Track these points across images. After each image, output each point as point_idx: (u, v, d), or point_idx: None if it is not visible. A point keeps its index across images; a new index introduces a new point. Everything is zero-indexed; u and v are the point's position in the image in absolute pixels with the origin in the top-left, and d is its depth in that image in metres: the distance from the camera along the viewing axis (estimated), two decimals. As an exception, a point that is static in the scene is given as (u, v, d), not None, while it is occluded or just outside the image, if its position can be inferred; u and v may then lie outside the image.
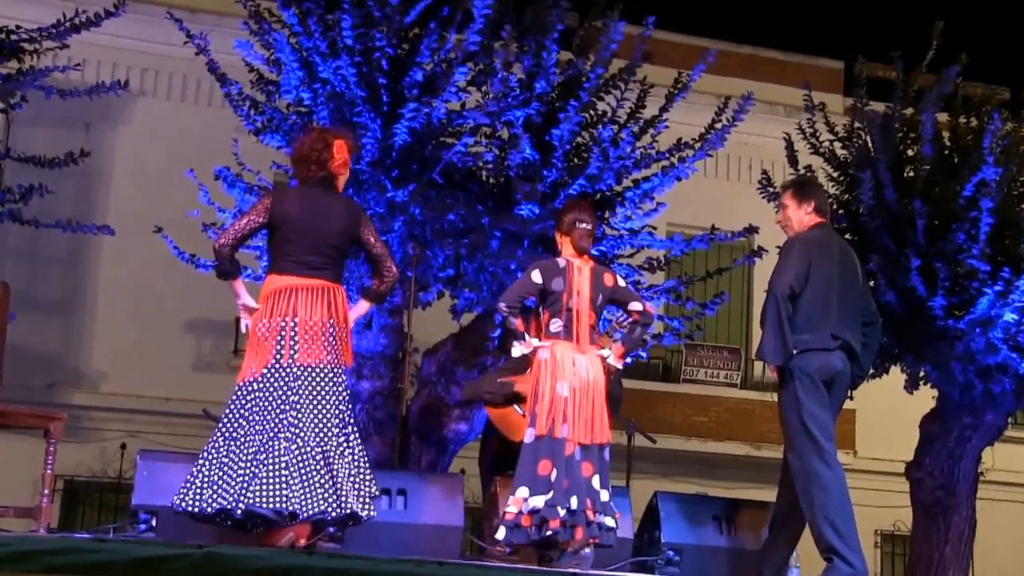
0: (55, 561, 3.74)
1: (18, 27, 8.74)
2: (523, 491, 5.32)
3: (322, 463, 4.85)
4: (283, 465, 4.75)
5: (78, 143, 9.49)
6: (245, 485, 4.73)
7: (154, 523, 5.82)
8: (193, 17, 10.18)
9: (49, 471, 5.26)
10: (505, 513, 5.36)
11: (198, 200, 8.40)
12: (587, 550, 5.41)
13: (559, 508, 5.26)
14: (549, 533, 5.28)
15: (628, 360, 5.89)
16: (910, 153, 8.82)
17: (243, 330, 5.15)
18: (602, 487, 5.44)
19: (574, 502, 5.29)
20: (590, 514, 5.31)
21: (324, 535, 5.22)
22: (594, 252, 5.88)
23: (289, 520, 4.75)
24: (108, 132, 12.64)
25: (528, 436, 5.43)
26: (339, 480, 4.85)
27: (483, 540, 6.37)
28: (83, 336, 12.53)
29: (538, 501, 5.27)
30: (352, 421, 5.07)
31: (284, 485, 4.72)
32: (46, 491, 5.27)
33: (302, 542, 4.85)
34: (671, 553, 6.48)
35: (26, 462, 9.88)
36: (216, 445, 4.88)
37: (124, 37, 12.01)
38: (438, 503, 6.28)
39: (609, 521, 5.45)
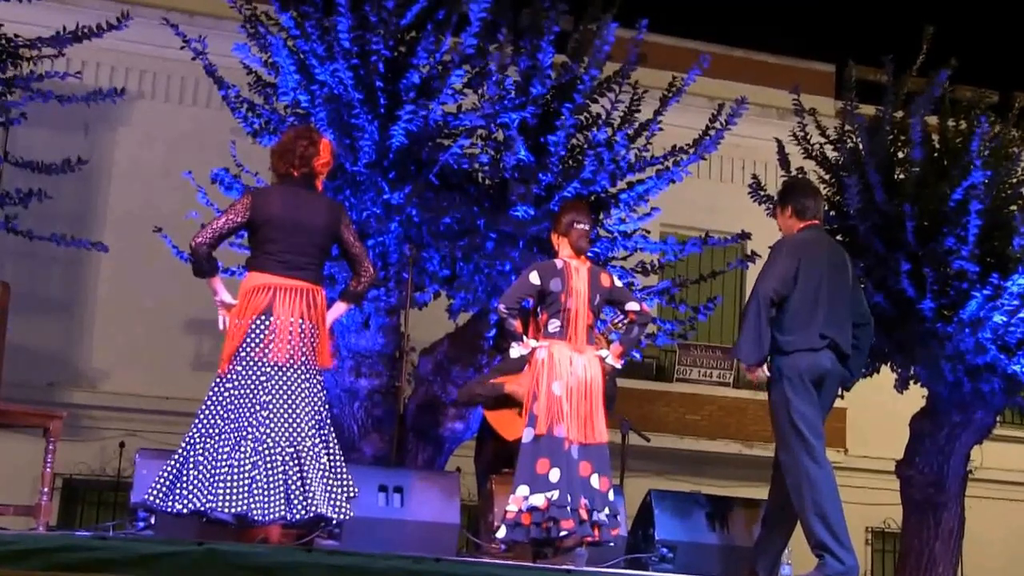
0: (54, 559, 3.69)
1: (16, 36, 8.77)
2: (523, 489, 5.35)
3: (293, 464, 4.76)
4: (247, 468, 4.70)
5: (77, 144, 9.51)
6: (214, 487, 4.68)
7: (153, 521, 5.86)
8: (191, 20, 10.21)
9: (48, 469, 5.31)
10: (506, 512, 5.40)
11: (196, 200, 8.46)
12: (581, 548, 5.44)
13: (568, 508, 5.28)
14: (564, 534, 5.29)
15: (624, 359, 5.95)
16: (900, 156, 8.85)
17: (220, 327, 5.10)
18: (608, 487, 5.48)
19: (568, 500, 5.35)
20: (583, 513, 5.34)
21: (322, 532, 5.27)
22: (588, 254, 5.93)
23: (247, 524, 4.70)
24: (107, 133, 12.64)
25: (527, 436, 5.47)
26: (309, 482, 4.76)
27: (479, 537, 6.43)
28: (82, 335, 12.55)
29: (538, 499, 5.30)
30: (329, 422, 4.98)
31: (245, 490, 4.66)
32: (45, 489, 5.31)
33: (272, 541, 4.80)
34: (664, 550, 6.55)
35: (26, 460, 9.95)
36: (192, 442, 4.82)
37: (123, 40, 11.98)
38: (435, 500, 6.33)
39: (618, 518, 5.54)
